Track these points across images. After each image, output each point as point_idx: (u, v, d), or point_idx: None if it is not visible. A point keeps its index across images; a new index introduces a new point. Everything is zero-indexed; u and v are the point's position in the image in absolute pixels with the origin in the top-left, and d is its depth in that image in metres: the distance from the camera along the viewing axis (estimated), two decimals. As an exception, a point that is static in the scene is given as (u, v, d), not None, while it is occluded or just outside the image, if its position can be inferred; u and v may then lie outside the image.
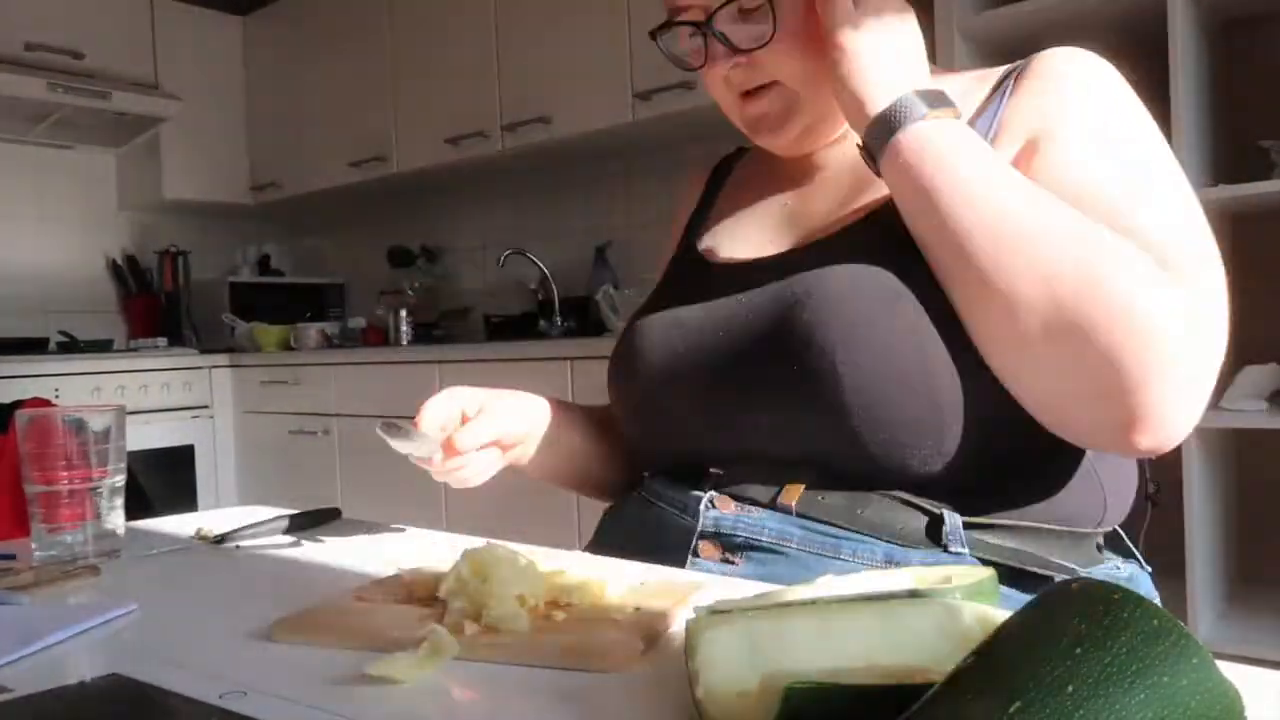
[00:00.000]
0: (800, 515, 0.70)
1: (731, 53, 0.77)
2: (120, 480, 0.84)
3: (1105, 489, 0.73)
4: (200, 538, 0.91)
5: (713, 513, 0.73)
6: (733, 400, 0.74)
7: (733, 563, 0.71)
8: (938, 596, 0.46)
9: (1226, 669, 0.44)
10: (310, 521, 0.94)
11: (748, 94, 0.79)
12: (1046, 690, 0.34)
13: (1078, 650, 0.35)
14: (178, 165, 3.60)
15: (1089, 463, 0.71)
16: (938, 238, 0.67)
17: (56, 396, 2.81)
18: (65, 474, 0.80)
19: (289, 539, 0.89)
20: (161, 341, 3.50)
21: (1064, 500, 0.70)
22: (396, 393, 2.82)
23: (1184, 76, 1.72)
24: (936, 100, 0.70)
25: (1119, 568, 0.76)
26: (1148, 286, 0.61)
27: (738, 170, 0.98)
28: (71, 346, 3.28)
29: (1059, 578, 0.68)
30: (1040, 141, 0.71)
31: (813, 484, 0.71)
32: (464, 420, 0.87)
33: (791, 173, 0.86)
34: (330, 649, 0.54)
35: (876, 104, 0.70)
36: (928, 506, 0.68)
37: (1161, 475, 1.29)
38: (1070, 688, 0.34)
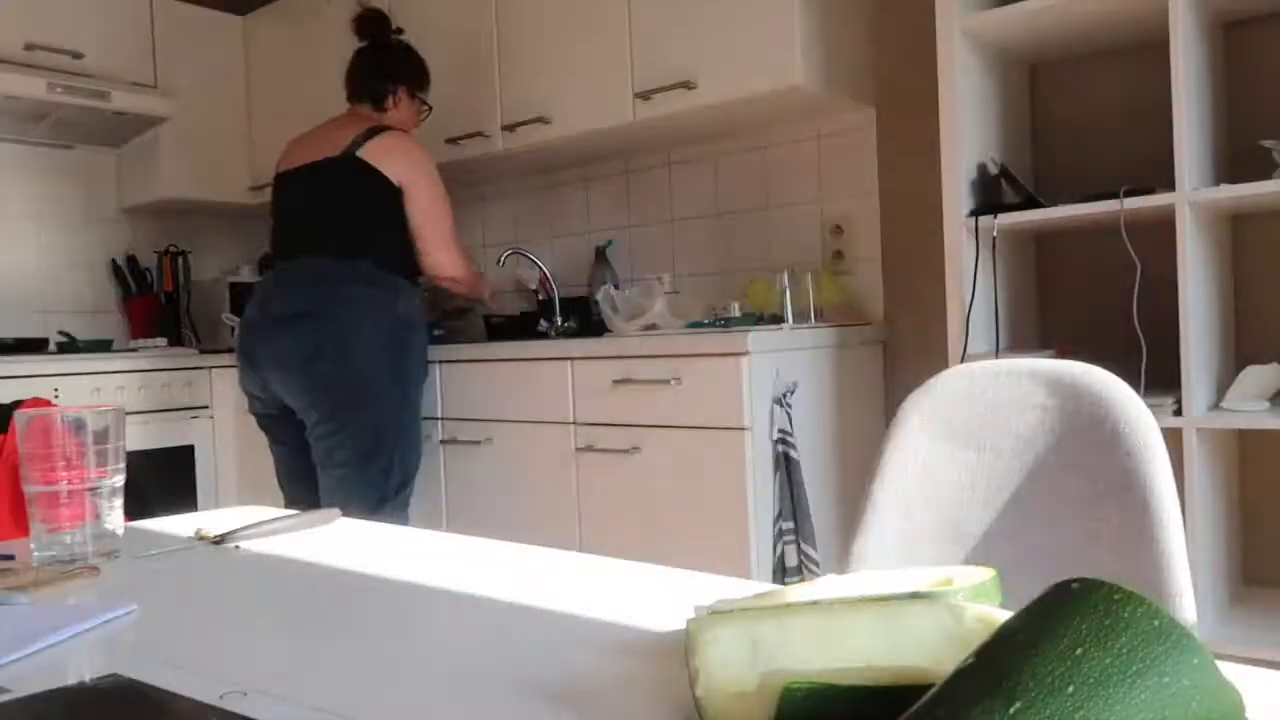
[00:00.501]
0: None
1: None
2: (119, 480, 0.84)
3: None
4: (200, 538, 0.91)
5: None
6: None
7: None
8: (940, 597, 0.46)
9: (1227, 669, 0.44)
10: (310, 522, 0.94)
11: None
12: (1047, 690, 0.34)
13: (1078, 650, 0.35)
14: (177, 165, 3.60)
15: None
16: None
17: (56, 396, 2.81)
18: (64, 474, 0.80)
19: (289, 539, 0.89)
20: (161, 341, 3.50)
21: None
22: (396, 393, 2.82)
23: (1185, 76, 1.72)
24: None
25: None
26: None
27: None
28: (71, 346, 3.27)
29: None
30: None
31: None
32: None
33: None
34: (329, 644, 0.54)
35: None
36: None
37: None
38: (1071, 688, 0.34)
